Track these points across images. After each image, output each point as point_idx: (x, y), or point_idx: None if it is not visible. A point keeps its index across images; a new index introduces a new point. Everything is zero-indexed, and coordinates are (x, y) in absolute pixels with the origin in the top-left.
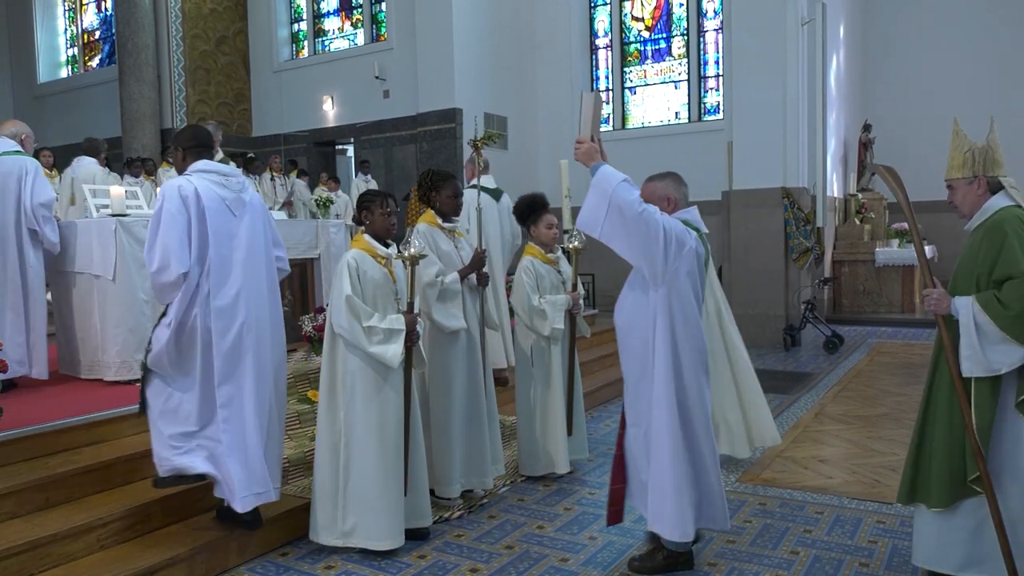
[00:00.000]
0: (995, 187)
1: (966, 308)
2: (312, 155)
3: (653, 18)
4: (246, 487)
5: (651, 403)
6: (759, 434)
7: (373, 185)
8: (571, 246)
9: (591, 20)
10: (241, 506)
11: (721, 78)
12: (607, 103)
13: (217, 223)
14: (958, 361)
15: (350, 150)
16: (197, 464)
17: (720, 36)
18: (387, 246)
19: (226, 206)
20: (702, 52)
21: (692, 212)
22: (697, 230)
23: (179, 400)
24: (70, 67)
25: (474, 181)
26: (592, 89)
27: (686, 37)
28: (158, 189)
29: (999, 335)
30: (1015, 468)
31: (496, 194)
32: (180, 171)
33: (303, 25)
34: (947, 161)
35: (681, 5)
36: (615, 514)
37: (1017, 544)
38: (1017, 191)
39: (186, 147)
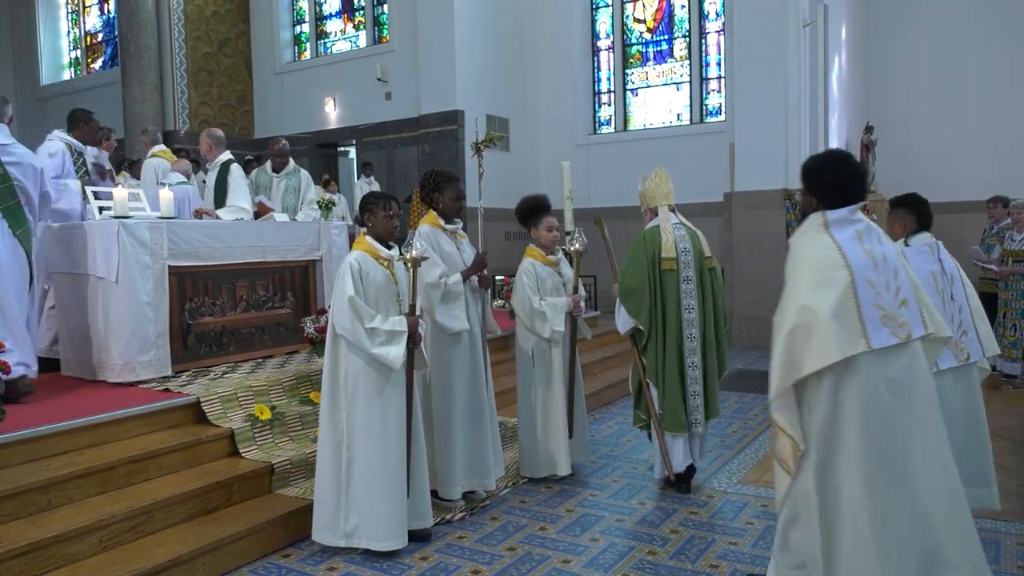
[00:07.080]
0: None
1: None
2: (314, 157)
3: (655, 20)
4: None
5: None
6: None
7: (376, 187)
8: (572, 248)
9: (593, 22)
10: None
11: (723, 80)
12: (609, 105)
13: None
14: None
15: (352, 152)
16: None
17: (722, 38)
18: (389, 248)
19: None
20: (704, 54)
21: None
22: None
23: None
24: (73, 69)
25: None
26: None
27: (688, 39)
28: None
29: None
30: None
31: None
32: None
33: (305, 27)
34: None
35: (683, 7)
36: None
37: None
38: (660, 215)
39: None
